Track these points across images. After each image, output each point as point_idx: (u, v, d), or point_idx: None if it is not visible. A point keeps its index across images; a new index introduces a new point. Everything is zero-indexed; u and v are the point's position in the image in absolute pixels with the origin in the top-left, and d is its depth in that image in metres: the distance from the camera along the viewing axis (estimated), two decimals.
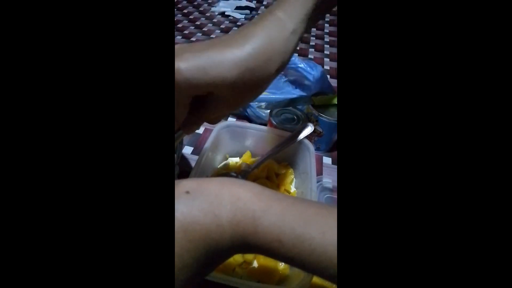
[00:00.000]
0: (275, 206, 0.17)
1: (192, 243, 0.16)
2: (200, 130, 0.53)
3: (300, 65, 0.56)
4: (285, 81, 0.61)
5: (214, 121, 0.26)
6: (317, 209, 0.17)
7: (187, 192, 0.17)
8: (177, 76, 0.19)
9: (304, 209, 0.17)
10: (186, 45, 0.21)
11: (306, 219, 0.16)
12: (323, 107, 0.46)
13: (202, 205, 0.16)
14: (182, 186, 0.17)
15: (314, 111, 0.45)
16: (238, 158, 0.43)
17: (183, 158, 0.46)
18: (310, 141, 0.40)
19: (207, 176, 0.38)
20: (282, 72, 0.63)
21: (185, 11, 1.06)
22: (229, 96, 0.22)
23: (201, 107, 0.23)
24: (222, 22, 0.98)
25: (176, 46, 0.21)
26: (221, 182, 0.18)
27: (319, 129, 0.46)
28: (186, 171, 0.32)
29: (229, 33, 0.22)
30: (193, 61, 0.20)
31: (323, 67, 0.74)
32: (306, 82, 0.55)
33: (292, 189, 0.40)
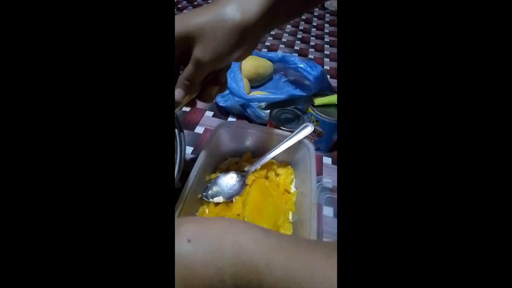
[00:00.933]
0: (279, 258, 0.16)
1: None
2: (200, 130, 0.53)
3: (300, 65, 0.56)
4: (285, 81, 0.61)
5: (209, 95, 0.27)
6: (321, 258, 0.16)
7: (189, 241, 0.16)
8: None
9: (309, 260, 0.16)
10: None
11: (311, 273, 0.15)
12: (323, 107, 0.45)
13: (204, 256, 0.16)
14: (183, 232, 0.17)
15: (314, 111, 0.45)
16: (238, 158, 0.43)
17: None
18: (310, 141, 0.40)
19: (207, 175, 0.38)
20: (282, 72, 0.63)
21: (185, 11, 1.06)
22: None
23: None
24: None
25: None
26: (223, 227, 0.17)
27: (319, 129, 0.46)
28: (186, 171, 0.32)
29: None
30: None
31: (323, 67, 0.74)
32: (306, 82, 0.55)
33: (292, 189, 0.40)
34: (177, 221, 0.18)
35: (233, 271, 0.16)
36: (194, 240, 0.16)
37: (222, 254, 0.16)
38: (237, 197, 0.36)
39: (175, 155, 0.31)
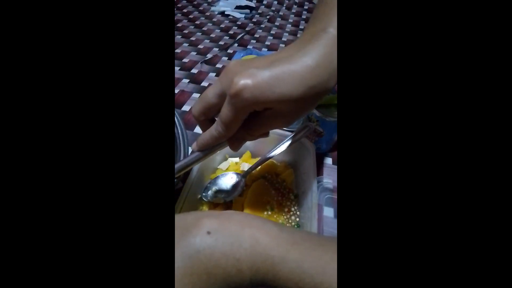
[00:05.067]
0: (293, 252, 0.17)
1: (215, 286, 0.16)
2: (200, 131, 0.53)
3: None
4: None
5: (258, 137, 0.25)
6: (333, 253, 0.17)
7: (209, 232, 0.17)
8: (245, 92, 0.20)
9: (321, 254, 0.17)
10: (246, 62, 0.21)
11: (323, 266, 0.16)
12: (323, 107, 0.45)
13: (223, 247, 0.17)
14: (203, 225, 0.18)
15: (314, 111, 0.45)
16: (238, 158, 0.43)
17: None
18: (311, 141, 0.40)
19: (207, 175, 0.38)
20: None
21: (185, 10, 1.06)
22: (288, 112, 0.22)
23: (254, 123, 0.23)
24: (222, 22, 0.98)
25: (233, 62, 0.22)
26: (241, 222, 0.18)
27: (320, 129, 0.46)
28: (186, 172, 0.32)
29: (286, 47, 0.22)
30: (261, 77, 0.20)
31: None
32: None
33: (293, 189, 0.39)
34: (196, 215, 0.19)
35: (251, 262, 0.17)
36: (214, 232, 0.17)
37: (240, 246, 0.17)
38: (237, 197, 0.36)
39: (179, 155, 0.31)
